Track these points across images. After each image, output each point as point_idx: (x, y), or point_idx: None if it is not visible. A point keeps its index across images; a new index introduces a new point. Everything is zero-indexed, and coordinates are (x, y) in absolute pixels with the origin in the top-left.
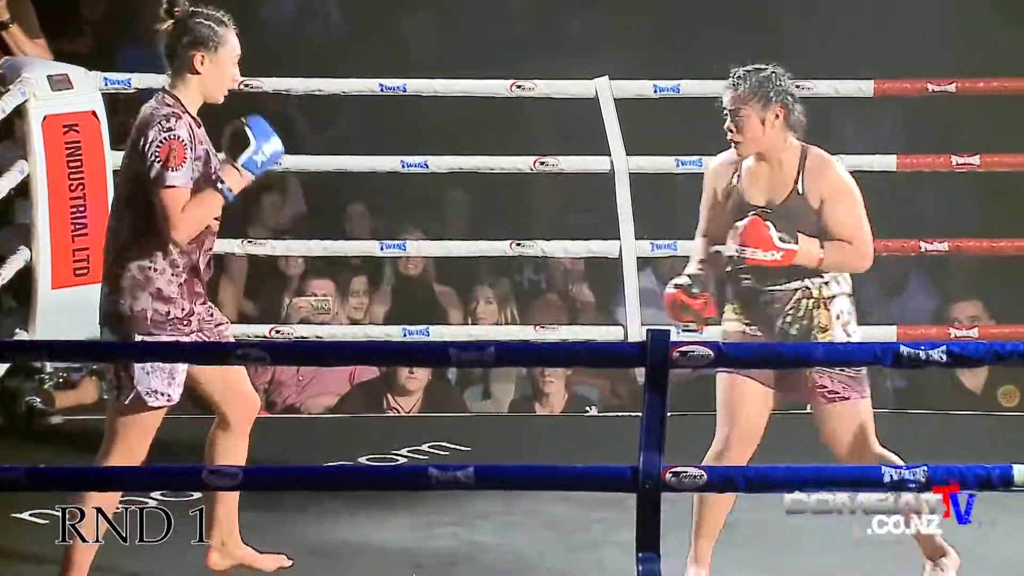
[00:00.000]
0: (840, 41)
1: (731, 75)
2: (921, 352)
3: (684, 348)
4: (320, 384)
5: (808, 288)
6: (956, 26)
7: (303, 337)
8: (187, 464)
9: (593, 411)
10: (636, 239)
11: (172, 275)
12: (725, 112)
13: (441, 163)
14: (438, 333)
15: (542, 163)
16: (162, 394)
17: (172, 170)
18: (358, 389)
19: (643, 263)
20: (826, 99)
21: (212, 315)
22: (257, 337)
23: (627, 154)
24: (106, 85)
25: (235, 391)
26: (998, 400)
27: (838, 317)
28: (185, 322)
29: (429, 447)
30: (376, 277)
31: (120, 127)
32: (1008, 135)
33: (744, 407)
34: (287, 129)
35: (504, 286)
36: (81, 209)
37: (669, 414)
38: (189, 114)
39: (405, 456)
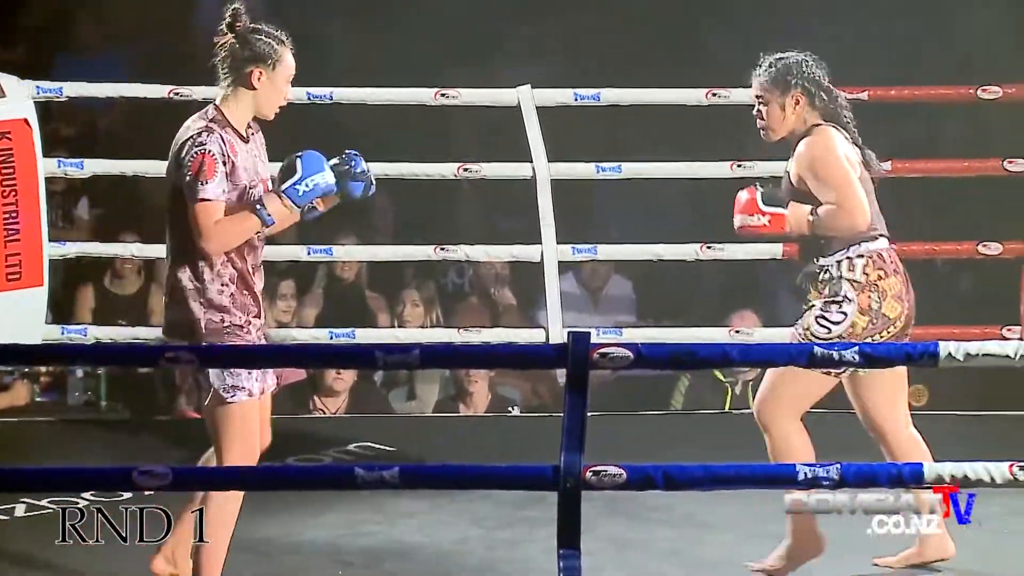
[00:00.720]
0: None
1: (758, 63)
2: (834, 352)
3: (604, 349)
4: None
5: (810, 272)
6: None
7: None
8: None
9: (515, 411)
10: (558, 243)
11: (221, 285)
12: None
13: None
14: (364, 336)
15: (465, 170)
16: (240, 389)
17: (203, 183)
18: (285, 391)
19: (564, 267)
20: (739, 107)
21: (264, 334)
22: None
23: (549, 160)
24: (39, 93)
25: (262, 420)
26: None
27: (813, 306)
28: (246, 330)
29: (355, 447)
30: (304, 281)
31: (53, 135)
32: (923, 141)
33: None
34: None
35: (430, 289)
36: (13, 215)
37: (590, 414)
38: (233, 128)
39: (332, 456)
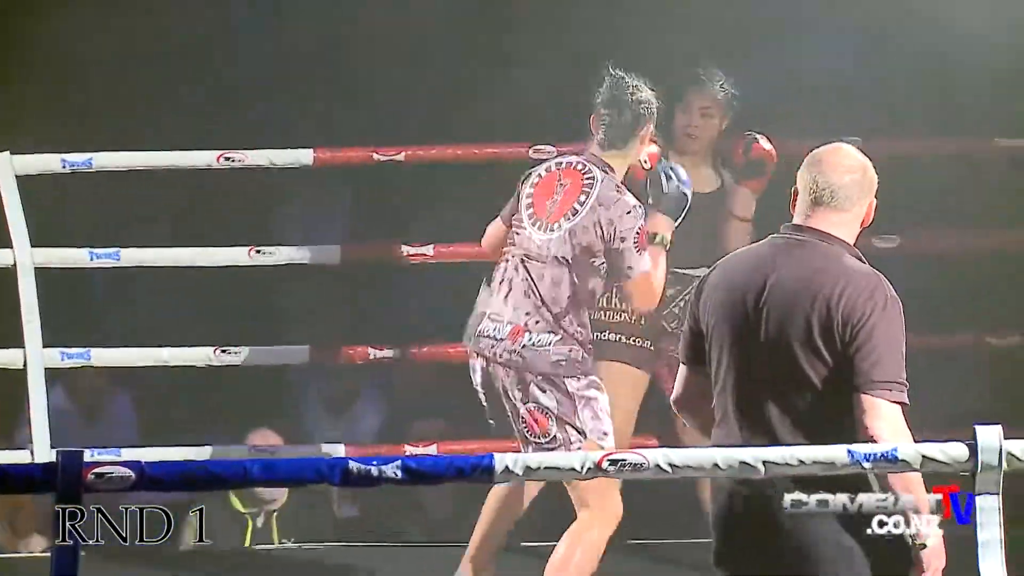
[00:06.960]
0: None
1: (701, 73)
2: (373, 468)
3: (101, 469)
4: None
5: None
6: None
7: None
8: None
9: None
10: (44, 347)
11: (579, 325)
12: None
13: None
14: None
15: None
16: (605, 433)
17: (642, 253)
18: None
19: (53, 375)
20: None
21: None
22: None
23: (35, 244)
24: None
25: None
26: None
27: None
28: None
29: None
30: None
31: None
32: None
33: None
34: None
35: None
36: None
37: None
38: None
39: None
